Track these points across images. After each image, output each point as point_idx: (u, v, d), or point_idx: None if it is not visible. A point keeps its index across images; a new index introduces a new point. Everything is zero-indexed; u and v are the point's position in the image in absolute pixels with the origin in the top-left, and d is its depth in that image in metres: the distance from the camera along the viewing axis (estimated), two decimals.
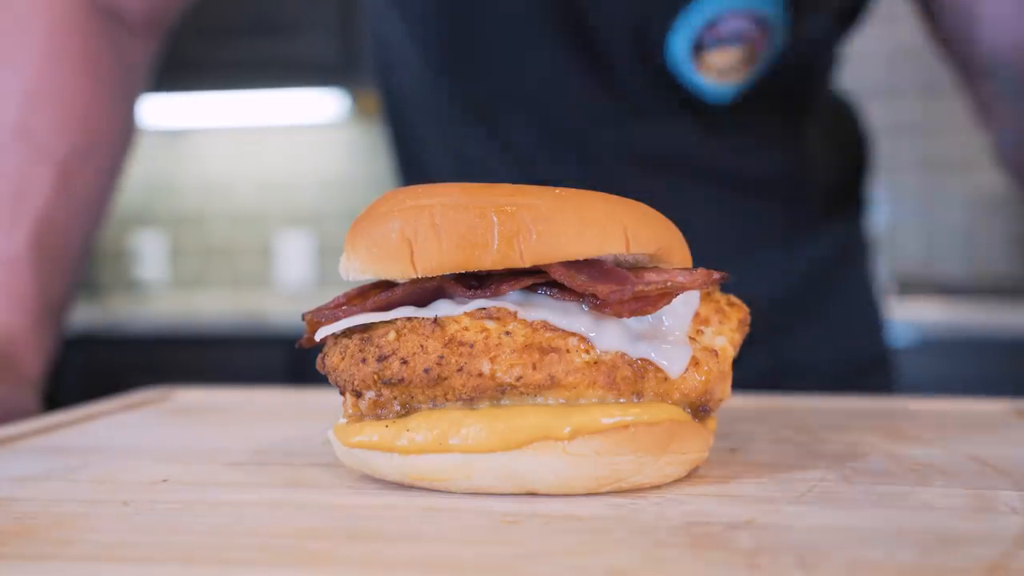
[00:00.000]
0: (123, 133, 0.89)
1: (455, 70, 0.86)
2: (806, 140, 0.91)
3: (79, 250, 0.83)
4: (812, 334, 0.94)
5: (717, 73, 0.78)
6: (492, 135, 0.87)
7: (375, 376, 0.41)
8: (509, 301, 0.42)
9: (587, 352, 0.41)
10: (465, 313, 0.41)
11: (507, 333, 0.40)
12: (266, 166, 3.22)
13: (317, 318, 0.45)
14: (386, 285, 0.46)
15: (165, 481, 0.45)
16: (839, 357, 0.95)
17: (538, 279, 0.42)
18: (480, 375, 0.40)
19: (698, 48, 0.76)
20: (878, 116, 2.82)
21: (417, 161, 0.96)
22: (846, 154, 0.99)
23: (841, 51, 0.90)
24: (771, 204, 0.90)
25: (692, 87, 0.79)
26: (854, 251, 1.00)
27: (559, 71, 0.82)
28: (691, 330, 0.44)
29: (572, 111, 0.83)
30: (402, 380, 0.41)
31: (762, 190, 0.89)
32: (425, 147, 0.94)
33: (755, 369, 0.84)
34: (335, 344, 0.44)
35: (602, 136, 0.84)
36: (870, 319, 1.00)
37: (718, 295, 0.48)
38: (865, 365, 0.98)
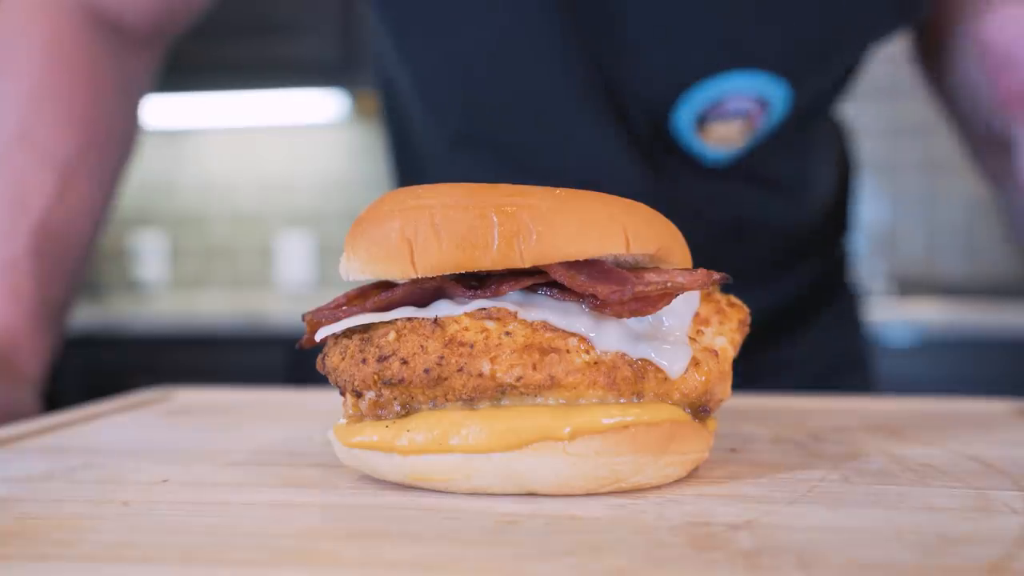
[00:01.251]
0: (124, 137, 0.89)
1: (470, 137, 0.87)
2: (806, 183, 0.94)
3: (80, 252, 0.83)
4: (792, 346, 0.96)
5: (717, 140, 0.82)
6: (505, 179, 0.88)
7: (375, 376, 0.41)
8: (509, 301, 0.42)
9: (587, 352, 0.41)
10: (465, 313, 0.41)
11: (507, 333, 0.40)
12: (266, 166, 3.22)
13: (317, 318, 0.45)
14: (386, 285, 0.47)
15: (165, 481, 0.45)
16: (817, 358, 0.97)
17: (538, 279, 0.42)
18: (480, 375, 0.40)
19: (701, 121, 0.80)
20: (878, 116, 2.82)
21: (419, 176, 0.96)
22: (836, 178, 1.01)
23: (838, 106, 0.93)
24: (765, 247, 0.93)
25: (693, 152, 0.83)
26: (839, 268, 1.02)
27: (582, 129, 0.83)
28: (691, 330, 0.44)
29: (590, 165, 0.84)
30: (402, 380, 0.41)
31: (758, 236, 0.91)
32: (426, 171, 0.94)
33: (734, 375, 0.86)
34: (335, 344, 0.44)
35: (615, 188, 0.85)
36: (850, 324, 1.03)
37: (718, 295, 0.48)
38: (843, 364, 1.00)
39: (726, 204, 0.87)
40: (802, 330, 0.97)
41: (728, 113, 0.79)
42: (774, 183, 0.89)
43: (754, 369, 0.91)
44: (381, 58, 0.95)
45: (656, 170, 0.84)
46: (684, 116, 0.79)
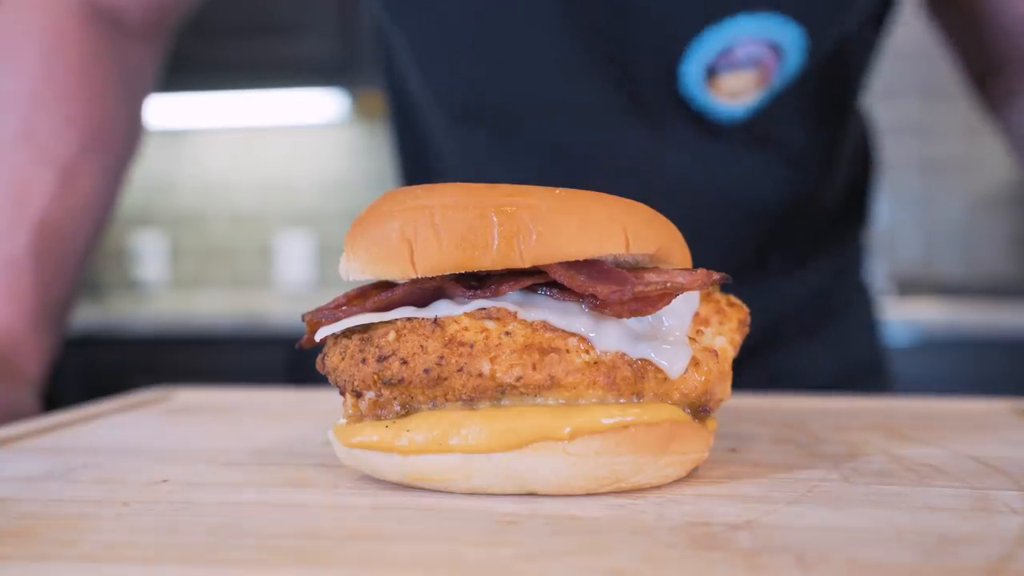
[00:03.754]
0: (127, 135, 0.89)
1: (468, 109, 0.85)
2: (824, 160, 0.90)
3: (81, 252, 0.83)
4: (809, 346, 0.94)
5: (729, 95, 0.78)
6: (505, 153, 0.86)
7: (375, 376, 0.41)
8: (509, 301, 0.42)
9: (587, 352, 0.41)
10: (465, 313, 0.41)
11: (507, 333, 0.40)
12: (266, 166, 3.22)
13: (317, 318, 0.45)
14: (386, 285, 0.47)
15: (165, 481, 0.45)
16: (834, 364, 0.95)
17: (538, 279, 0.42)
18: (480, 375, 0.40)
19: (711, 72, 0.77)
20: (878, 116, 2.82)
21: (423, 164, 0.96)
22: (856, 167, 0.99)
23: (866, 64, 0.90)
24: (782, 229, 0.90)
25: (704, 109, 0.80)
26: (855, 264, 1.00)
27: (582, 93, 0.81)
28: (691, 330, 0.44)
29: (591, 133, 0.82)
30: (402, 380, 0.41)
31: (774, 215, 0.88)
32: (432, 153, 0.93)
33: (750, 380, 0.84)
34: (335, 344, 0.44)
35: (618, 158, 0.83)
36: (866, 326, 1.00)
37: (718, 295, 0.48)
38: (859, 370, 0.97)
39: (737, 173, 0.84)
40: (818, 335, 0.94)
41: (739, 62, 0.76)
42: (789, 152, 0.86)
43: (767, 376, 0.90)
44: (381, 33, 0.94)
45: (661, 135, 0.81)
46: (693, 69, 0.76)
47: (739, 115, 0.80)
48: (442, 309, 0.42)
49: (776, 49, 0.76)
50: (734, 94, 0.78)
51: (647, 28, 0.76)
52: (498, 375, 0.40)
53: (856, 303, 0.99)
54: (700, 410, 0.44)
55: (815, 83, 0.81)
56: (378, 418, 0.43)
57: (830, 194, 0.92)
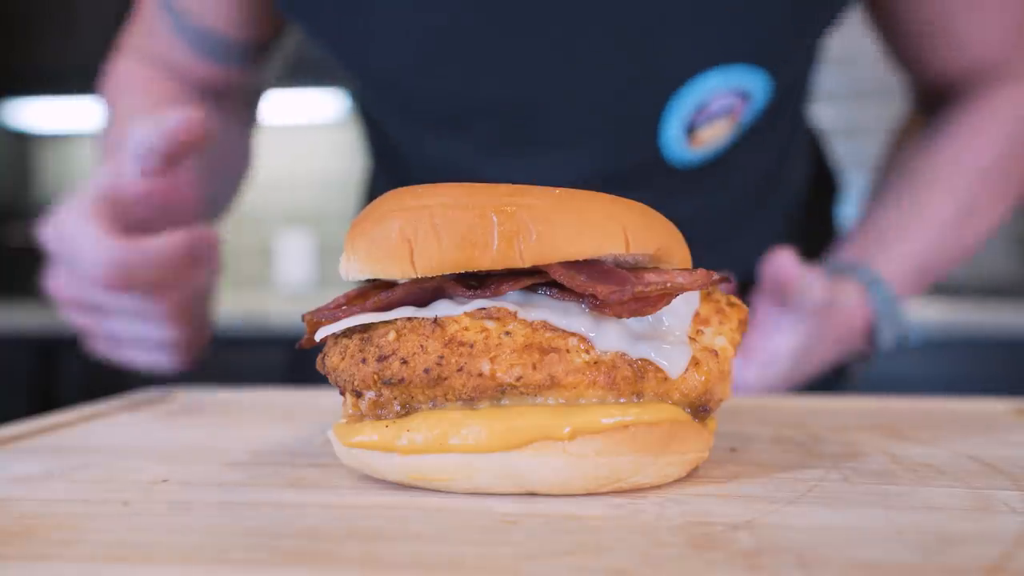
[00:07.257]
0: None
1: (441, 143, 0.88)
2: (776, 182, 0.94)
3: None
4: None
5: (704, 144, 0.81)
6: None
7: (375, 376, 0.41)
8: (509, 301, 0.42)
9: (587, 352, 0.41)
10: (465, 313, 0.41)
11: (507, 333, 0.40)
12: (266, 166, 3.21)
13: (317, 318, 0.45)
14: (386, 285, 0.47)
15: (165, 481, 0.45)
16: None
17: (538, 279, 0.42)
18: (480, 375, 0.40)
19: (690, 129, 0.79)
20: (877, 117, 2.82)
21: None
22: (815, 185, 1.01)
23: (812, 75, 0.94)
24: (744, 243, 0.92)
25: (677, 160, 0.82)
26: None
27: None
28: (691, 330, 0.44)
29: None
30: (402, 380, 0.41)
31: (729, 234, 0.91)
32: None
33: None
34: (335, 344, 0.44)
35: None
36: None
37: (718, 295, 0.48)
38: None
39: (694, 201, 0.86)
40: None
41: (713, 114, 0.78)
42: (744, 180, 0.89)
43: None
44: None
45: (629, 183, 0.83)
46: (673, 130, 0.78)
47: (709, 157, 0.83)
48: (442, 309, 0.42)
49: (744, 95, 0.78)
50: (708, 142, 0.81)
51: (622, 92, 0.78)
52: (498, 375, 0.40)
53: None
54: (700, 410, 0.44)
55: (775, 105, 0.84)
56: (378, 418, 0.43)
57: (780, 219, 0.95)
